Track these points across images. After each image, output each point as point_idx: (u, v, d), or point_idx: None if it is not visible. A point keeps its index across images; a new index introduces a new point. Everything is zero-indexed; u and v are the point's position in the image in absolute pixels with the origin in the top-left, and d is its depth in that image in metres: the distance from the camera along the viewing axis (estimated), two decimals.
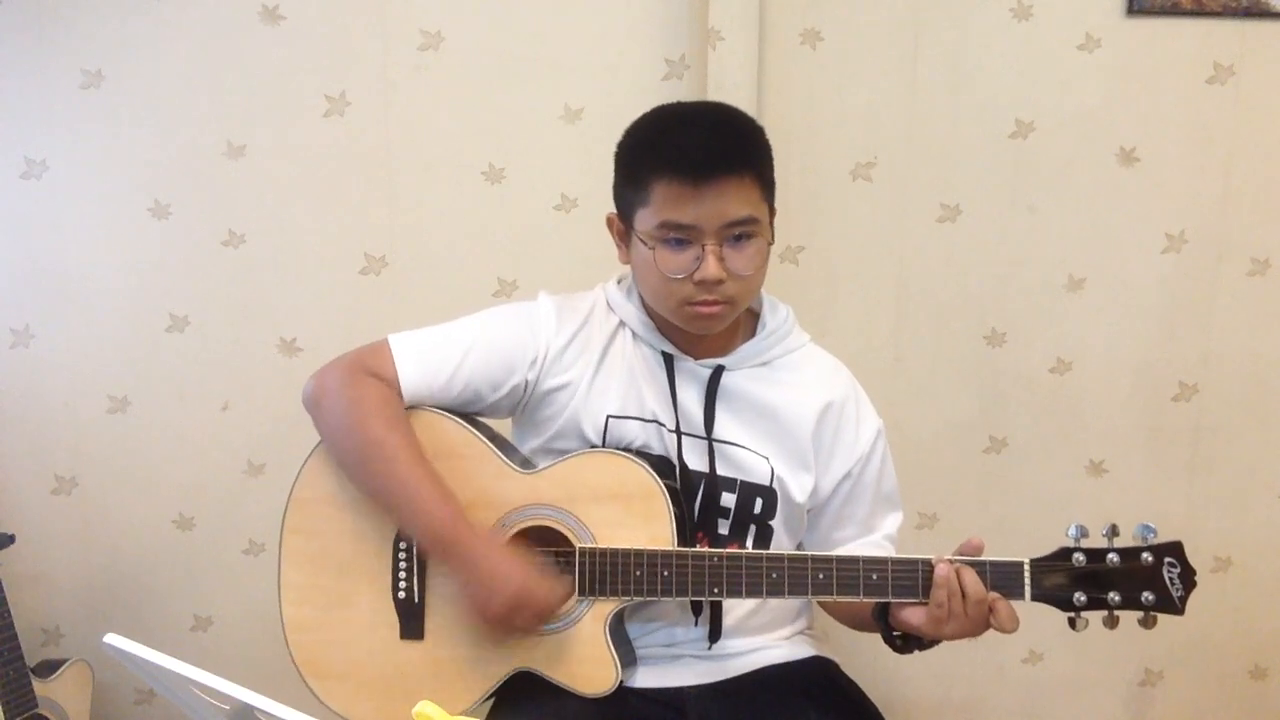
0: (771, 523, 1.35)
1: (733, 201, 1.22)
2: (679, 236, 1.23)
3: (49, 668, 1.91)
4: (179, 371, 2.01)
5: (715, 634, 1.35)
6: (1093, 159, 1.94)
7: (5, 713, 1.79)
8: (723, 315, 1.28)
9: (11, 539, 1.90)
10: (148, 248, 1.97)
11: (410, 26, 1.91)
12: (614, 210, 1.34)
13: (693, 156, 1.21)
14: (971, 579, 1.17)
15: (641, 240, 1.26)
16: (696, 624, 1.35)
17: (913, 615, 1.21)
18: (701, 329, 1.31)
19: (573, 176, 1.95)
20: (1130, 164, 1.94)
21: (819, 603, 1.44)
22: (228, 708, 0.76)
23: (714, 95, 1.85)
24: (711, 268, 1.23)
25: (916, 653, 1.27)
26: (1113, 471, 2.03)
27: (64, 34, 1.90)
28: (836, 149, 1.94)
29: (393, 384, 1.31)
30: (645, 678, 1.34)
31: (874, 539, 1.39)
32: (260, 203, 1.96)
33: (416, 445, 1.29)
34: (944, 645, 1.26)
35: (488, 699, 1.33)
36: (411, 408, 1.33)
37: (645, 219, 1.25)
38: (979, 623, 1.18)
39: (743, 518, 1.34)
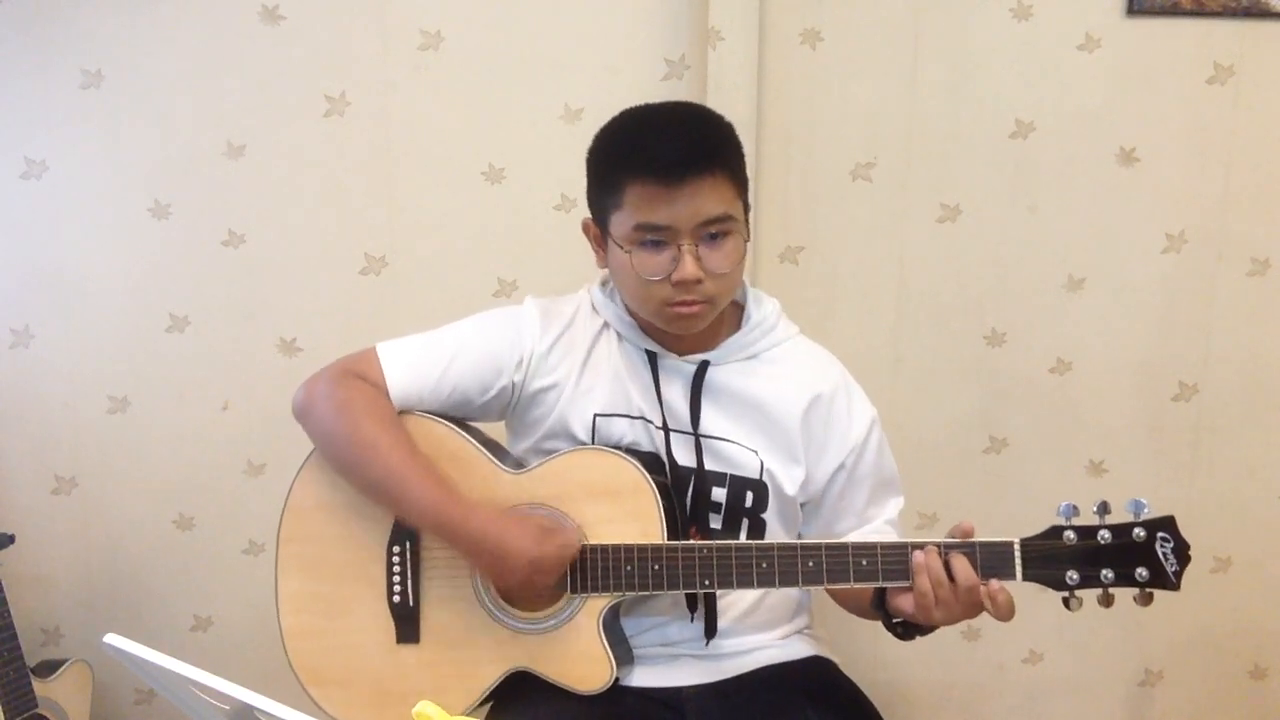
0: (764, 516, 1.35)
1: (707, 200, 1.22)
2: (655, 238, 1.24)
3: (49, 668, 1.91)
4: (179, 371, 2.01)
5: (711, 631, 1.35)
6: (1093, 159, 1.94)
7: (5, 713, 1.79)
8: (702, 314, 1.29)
9: (11, 539, 1.90)
10: (148, 248, 1.97)
11: (410, 26, 1.91)
12: (589, 216, 1.34)
13: (665, 157, 1.21)
14: (962, 565, 1.17)
15: (618, 244, 1.26)
16: (693, 619, 1.35)
17: (904, 602, 1.21)
18: (682, 329, 1.31)
19: (573, 176, 1.92)
20: (1130, 164, 1.94)
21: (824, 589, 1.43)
22: (228, 708, 0.76)
23: (714, 95, 1.85)
24: (689, 268, 1.23)
25: (918, 639, 1.27)
26: (1113, 471, 2.03)
27: (64, 34, 1.90)
28: (836, 149, 1.94)
29: (381, 387, 1.33)
30: (643, 677, 1.34)
31: (875, 526, 1.39)
32: (260, 203, 1.96)
33: (408, 438, 1.30)
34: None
35: (486, 700, 1.33)
36: (401, 413, 1.34)
37: (620, 223, 1.26)
38: (971, 608, 1.18)
39: (734, 512, 1.34)
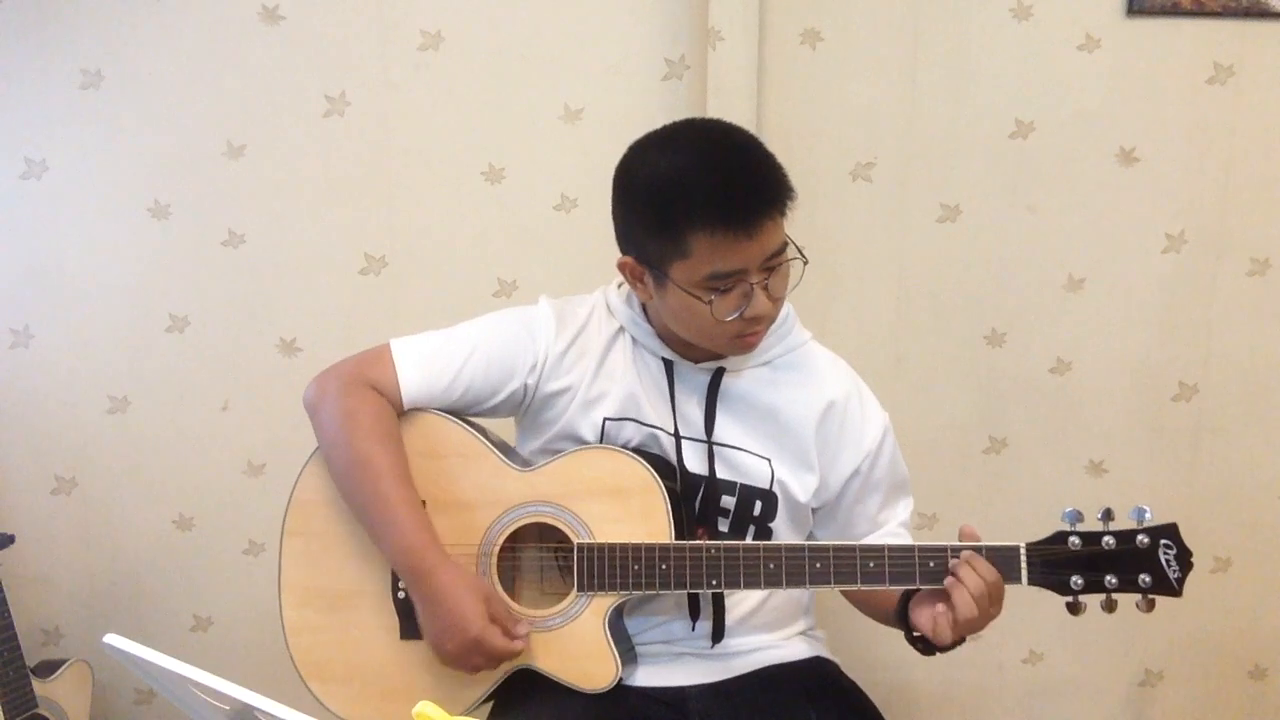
0: (771, 525, 1.35)
1: (772, 237, 1.22)
2: (728, 284, 1.22)
3: (49, 668, 1.91)
4: (179, 371, 2.01)
5: (719, 633, 1.35)
6: (1093, 159, 1.94)
7: (5, 713, 1.79)
8: (764, 336, 1.30)
9: (11, 539, 1.90)
10: (148, 248, 1.97)
11: (410, 26, 1.91)
12: (626, 257, 1.29)
13: (736, 209, 1.18)
14: (984, 565, 1.18)
15: (684, 290, 1.23)
16: (695, 628, 1.35)
17: (925, 618, 1.20)
18: (747, 351, 1.31)
19: (573, 176, 1.95)
20: (1130, 164, 1.94)
21: (845, 595, 1.43)
22: (228, 708, 0.76)
23: (714, 95, 1.85)
24: (763, 305, 1.23)
25: (938, 654, 1.26)
26: (1113, 471, 2.03)
27: (64, 34, 1.90)
28: (836, 149, 1.94)
29: (392, 393, 1.32)
30: (646, 676, 1.34)
31: (889, 529, 1.39)
32: (260, 203, 1.96)
33: (403, 466, 1.29)
34: None
35: (488, 698, 1.33)
36: (411, 409, 1.34)
37: (687, 270, 1.22)
38: (998, 602, 1.19)
39: (742, 519, 1.34)
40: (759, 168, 1.23)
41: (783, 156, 1.29)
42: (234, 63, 1.92)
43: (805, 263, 1.27)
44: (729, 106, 1.83)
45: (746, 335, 1.27)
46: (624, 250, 1.29)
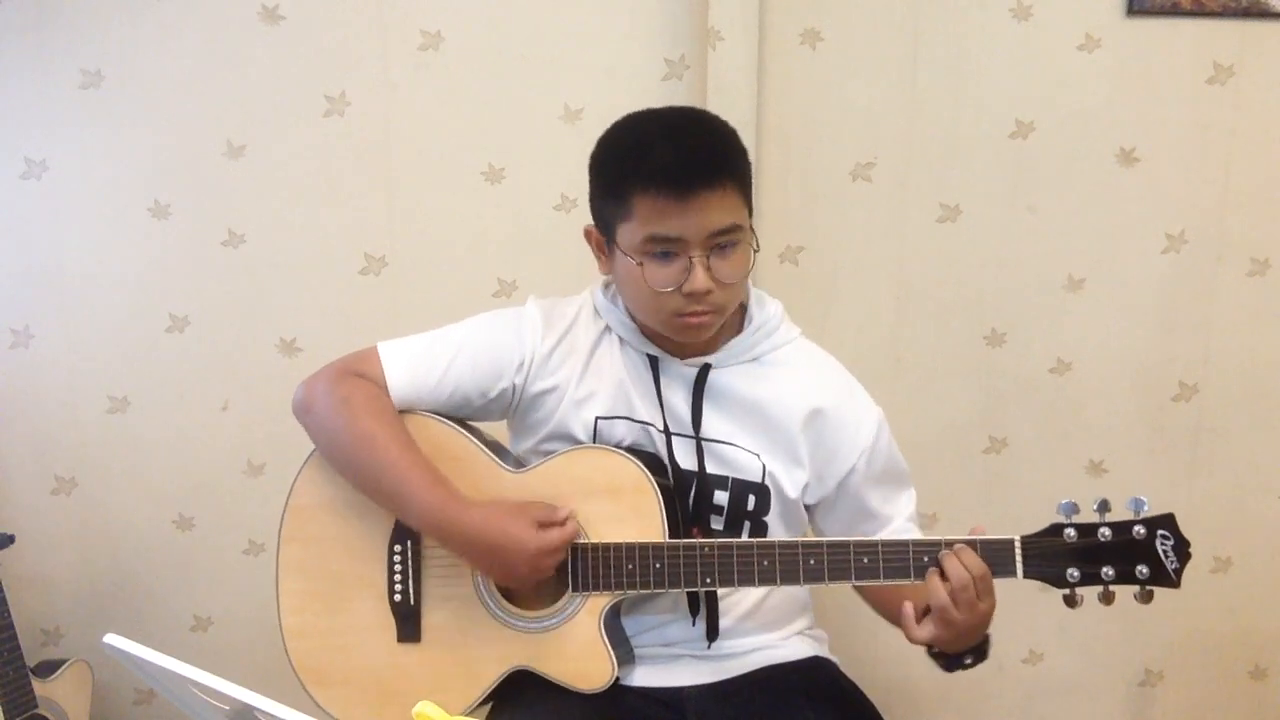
0: (765, 519, 1.35)
1: (716, 211, 1.22)
2: (666, 250, 1.23)
3: (49, 668, 1.91)
4: (179, 371, 2.01)
5: (713, 633, 1.35)
6: (1093, 159, 1.94)
7: (5, 713, 1.79)
8: (711, 324, 1.29)
9: (11, 539, 1.90)
10: (148, 248, 1.97)
11: (410, 26, 1.91)
12: (590, 223, 1.33)
13: (675, 169, 1.20)
14: (971, 557, 1.17)
15: (627, 255, 1.26)
16: (694, 623, 1.35)
17: (923, 633, 1.20)
18: (690, 338, 1.31)
19: (572, 176, 1.92)
20: (1130, 164, 1.94)
21: (868, 601, 1.42)
22: (227, 708, 0.76)
23: (714, 95, 1.85)
24: (700, 279, 1.23)
25: (965, 669, 1.25)
26: (1113, 471, 2.03)
27: (64, 34, 1.90)
28: (836, 149, 1.94)
29: (381, 386, 1.33)
30: (644, 677, 1.34)
31: (897, 524, 1.39)
32: (260, 203, 1.96)
33: (406, 435, 1.30)
34: None
35: (486, 699, 1.33)
36: (402, 412, 1.34)
37: (629, 233, 1.24)
38: (989, 595, 1.18)
39: (736, 514, 1.34)
40: (706, 137, 1.26)
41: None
42: (234, 63, 1.92)
43: (756, 250, 1.29)
44: (729, 106, 1.82)
45: (687, 315, 1.26)
46: (594, 221, 1.33)
